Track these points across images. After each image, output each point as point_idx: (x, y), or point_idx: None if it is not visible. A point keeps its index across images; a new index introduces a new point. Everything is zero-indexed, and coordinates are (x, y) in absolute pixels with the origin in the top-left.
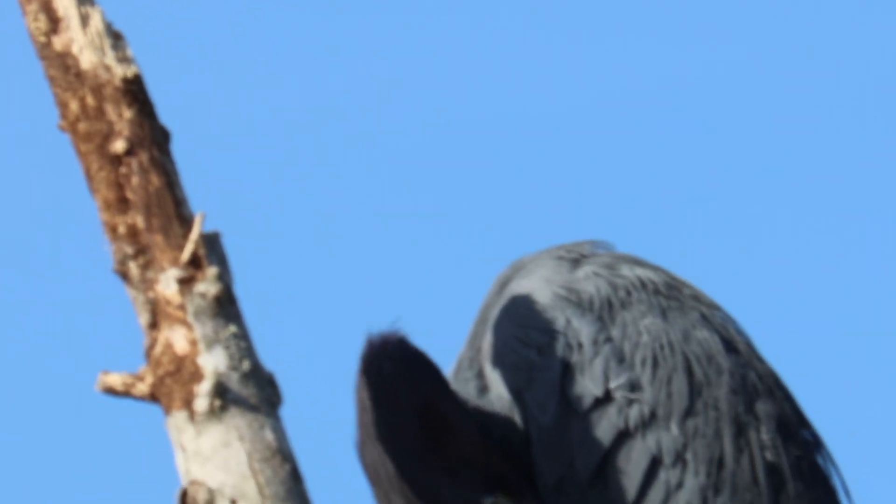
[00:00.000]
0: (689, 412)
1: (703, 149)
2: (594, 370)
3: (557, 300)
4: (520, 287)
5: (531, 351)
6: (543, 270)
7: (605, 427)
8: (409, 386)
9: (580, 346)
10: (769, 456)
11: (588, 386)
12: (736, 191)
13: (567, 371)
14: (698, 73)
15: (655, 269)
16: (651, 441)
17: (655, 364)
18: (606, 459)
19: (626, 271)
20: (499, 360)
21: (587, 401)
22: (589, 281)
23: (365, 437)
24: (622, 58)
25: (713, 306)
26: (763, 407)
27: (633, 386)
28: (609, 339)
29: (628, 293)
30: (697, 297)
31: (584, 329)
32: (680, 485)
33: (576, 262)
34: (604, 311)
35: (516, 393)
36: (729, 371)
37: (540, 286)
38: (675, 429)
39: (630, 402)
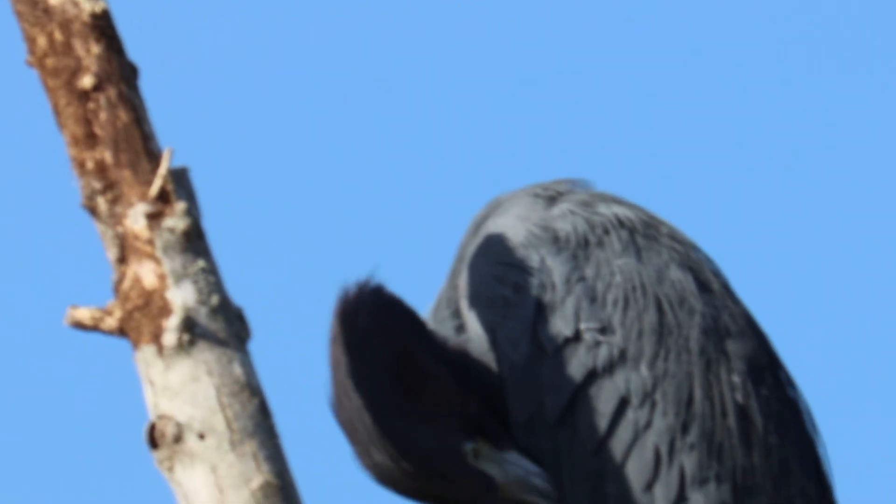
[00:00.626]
0: (658, 353)
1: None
2: (565, 310)
3: (532, 238)
4: (495, 225)
5: (506, 289)
6: (519, 208)
7: (574, 366)
8: (384, 338)
9: (553, 285)
10: (739, 397)
11: (559, 325)
12: (723, 132)
13: (539, 310)
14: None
15: (633, 207)
16: (620, 381)
17: (627, 305)
18: (575, 399)
19: (603, 209)
20: (475, 299)
21: (558, 340)
22: (565, 219)
23: (340, 393)
24: None
25: (690, 246)
26: (734, 348)
27: (604, 326)
28: (582, 279)
29: (605, 231)
30: (674, 237)
31: (557, 268)
32: (648, 424)
33: (552, 200)
34: (578, 250)
35: (491, 331)
36: (701, 312)
37: (515, 224)
38: (644, 369)
39: (599, 343)
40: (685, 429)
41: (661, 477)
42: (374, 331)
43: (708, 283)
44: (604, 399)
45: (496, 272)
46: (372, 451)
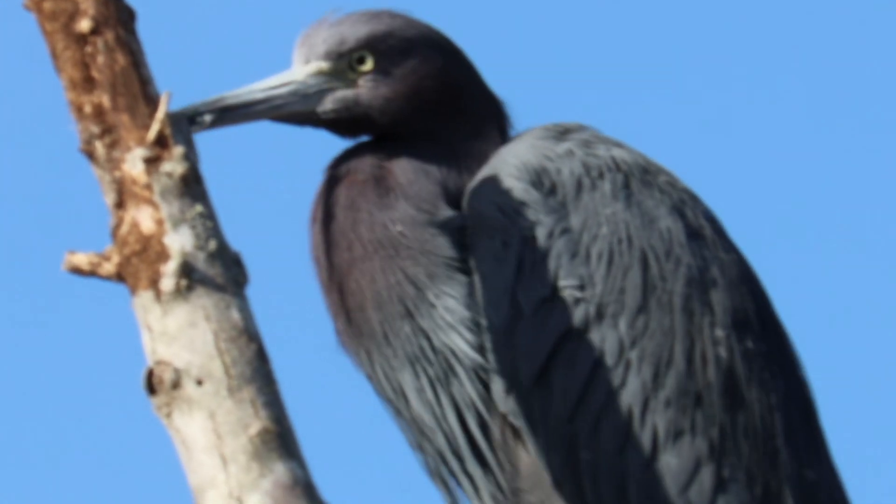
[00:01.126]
0: (640, 309)
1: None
2: (545, 268)
3: (528, 185)
4: (508, 152)
5: (496, 241)
6: (530, 138)
7: (550, 328)
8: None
9: (535, 240)
10: (722, 351)
11: (536, 286)
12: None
13: (520, 269)
14: None
15: (633, 152)
16: (595, 341)
17: (611, 260)
18: (549, 362)
19: (602, 151)
20: (477, 230)
21: (535, 301)
22: (564, 159)
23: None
24: None
25: (685, 192)
26: (720, 299)
27: (583, 283)
28: (566, 230)
29: (600, 174)
30: (672, 184)
31: (542, 220)
32: (623, 384)
33: (560, 136)
34: (569, 195)
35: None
36: (687, 263)
37: (521, 159)
38: (622, 327)
39: (577, 301)
40: (660, 386)
41: (633, 438)
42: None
43: (700, 229)
44: (579, 362)
45: (494, 217)
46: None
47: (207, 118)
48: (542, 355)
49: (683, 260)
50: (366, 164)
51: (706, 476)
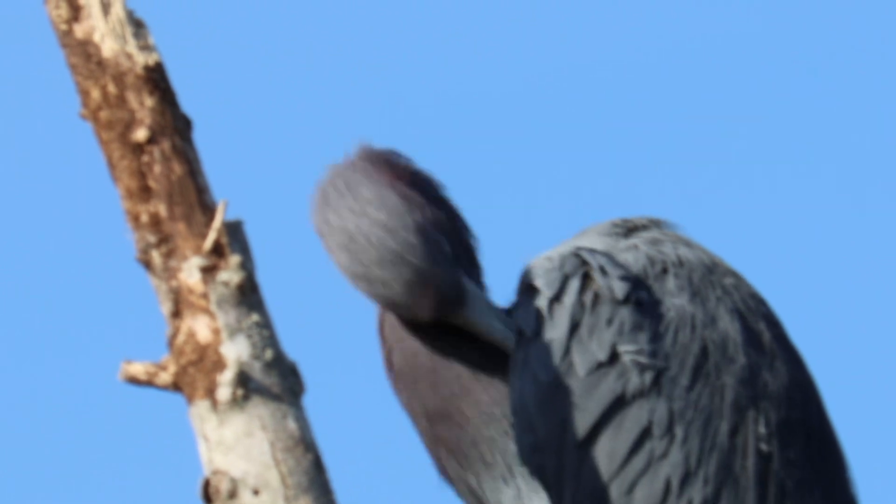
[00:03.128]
0: (692, 388)
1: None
2: (602, 332)
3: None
4: (570, 244)
5: (542, 299)
6: (593, 235)
7: (603, 390)
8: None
9: (602, 301)
10: (763, 446)
11: (594, 348)
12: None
13: (575, 330)
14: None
15: (701, 251)
16: (645, 410)
17: (675, 335)
18: (600, 423)
19: (668, 249)
20: (525, 288)
21: (589, 364)
22: (629, 252)
23: (321, 204)
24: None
25: (749, 295)
26: (767, 406)
27: (641, 349)
28: (639, 301)
29: (664, 270)
30: (737, 287)
31: (616, 281)
32: (664, 455)
33: (627, 233)
34: (637, 280)
35: (523, 339)
36: (741, 365)
37: (580, 247)
38: (674, 399)
39: (633, 367)
40: (702, 463)
41: None
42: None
43: (759, 335)
44: (627, 426)
45: (542, 279)
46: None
47: None
48: (595, 414)
49: (738, 361)
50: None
51: None
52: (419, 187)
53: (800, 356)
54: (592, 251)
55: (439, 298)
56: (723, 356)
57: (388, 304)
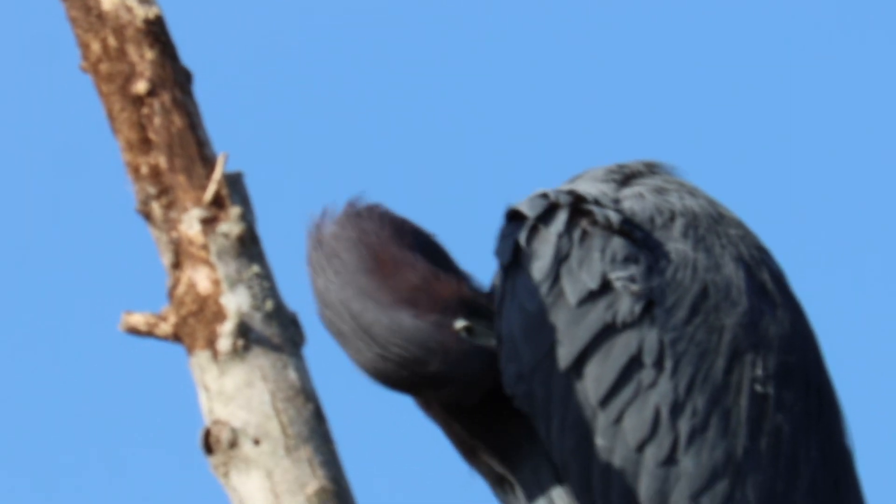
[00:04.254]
0: (688, 321)
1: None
2: (593, 260)
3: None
4: (563, 187)
5: (523, 233)
6: (589, 180)
7: (592, 318)
8: (353, 237)
9: (596, 227)
10: (758, 387)
11: (583, 277)
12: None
13: (565, 258)
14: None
15: (707, 200)
16: (633, 339)
17: (674, 275)
18: (587, 350)
19: (674, 198)
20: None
21: (580, 292)
22: (634, 200)
23: (320, 298)
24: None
25: (756, 247)
26: (767, 351)
27: (636, 279)
28: (631, 234)
29: (671, 218)
30: (742, 237)
31: (612, 212)
32: (653, 385)
33: (625, 180)
34: (639, 223)
35: (503, 274)
36: (743, 309)
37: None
38: (668, 332)
39: (627, 294)
40: (693, 394)
41: (656, 437)
42: (341, 234)
43: (763, 283)
44: (615, 354)
45: (534, 202)
46: (360, 345)
47: None
48: (583, 341)
49: (740, 305)
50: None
51: (720, 488)
52: (404, 240)
53: (802, 308)
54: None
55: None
56: (725, 298)
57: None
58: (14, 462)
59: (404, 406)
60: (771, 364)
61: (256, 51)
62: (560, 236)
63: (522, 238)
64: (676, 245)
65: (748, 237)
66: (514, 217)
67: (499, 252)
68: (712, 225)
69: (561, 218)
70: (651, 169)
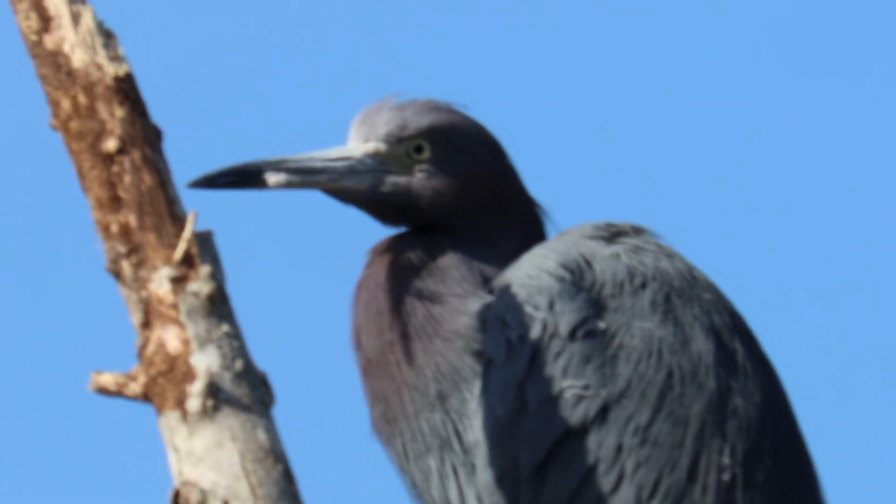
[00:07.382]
0: (651, 422)
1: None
2: (555, 368)
3: (562, 279)
4: (548, 246)
5: (513, 332)
6: (577, 236)
7: (553, 425)
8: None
9: (553, 337)
10: (725, 477)
11: (544, 384)
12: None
13: (532, 364)
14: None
15: (682, 263)
16: (594, 443)
17: (636, 367)
18: (549, 458)
19: (650, 260)
20: (496, 320)
21: (539, 399)
22: (611, 260)
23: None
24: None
25: (728, 313)
26: (735, 431)
27: (589, 385)
28: (592, 333)
29: (643, 285)
30: (715, 302)
31: (566, 316)
32: (615, 489)
33: (611, 237)
34: (607, 296)
35: (486, 370)
36: (710, 390)
37: (559, 256)
38: (628, 435)
39: (579, 402)
40: (657, 497)
41: None
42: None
43: (733, 353)
44: (575, 462)
45: (509, 315)
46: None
47: (272, 179)
48: (542, 451)
49: (707, 386)
50: (409, 250)
51: None
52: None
53: (774, 372)
54: (561, 273)
55: None
56: (691, 382)
57: None
58: None
59: (373, 468)
60: (740, 448)
61: (225, 108)
62: (533, 343)
63: (508, 342)
64: (643, 324)
65: (721, 302)
66: (500, 322)
67: (492, 351)
68: (685, 289)
69: (537, 325)
70: (636, 231)
